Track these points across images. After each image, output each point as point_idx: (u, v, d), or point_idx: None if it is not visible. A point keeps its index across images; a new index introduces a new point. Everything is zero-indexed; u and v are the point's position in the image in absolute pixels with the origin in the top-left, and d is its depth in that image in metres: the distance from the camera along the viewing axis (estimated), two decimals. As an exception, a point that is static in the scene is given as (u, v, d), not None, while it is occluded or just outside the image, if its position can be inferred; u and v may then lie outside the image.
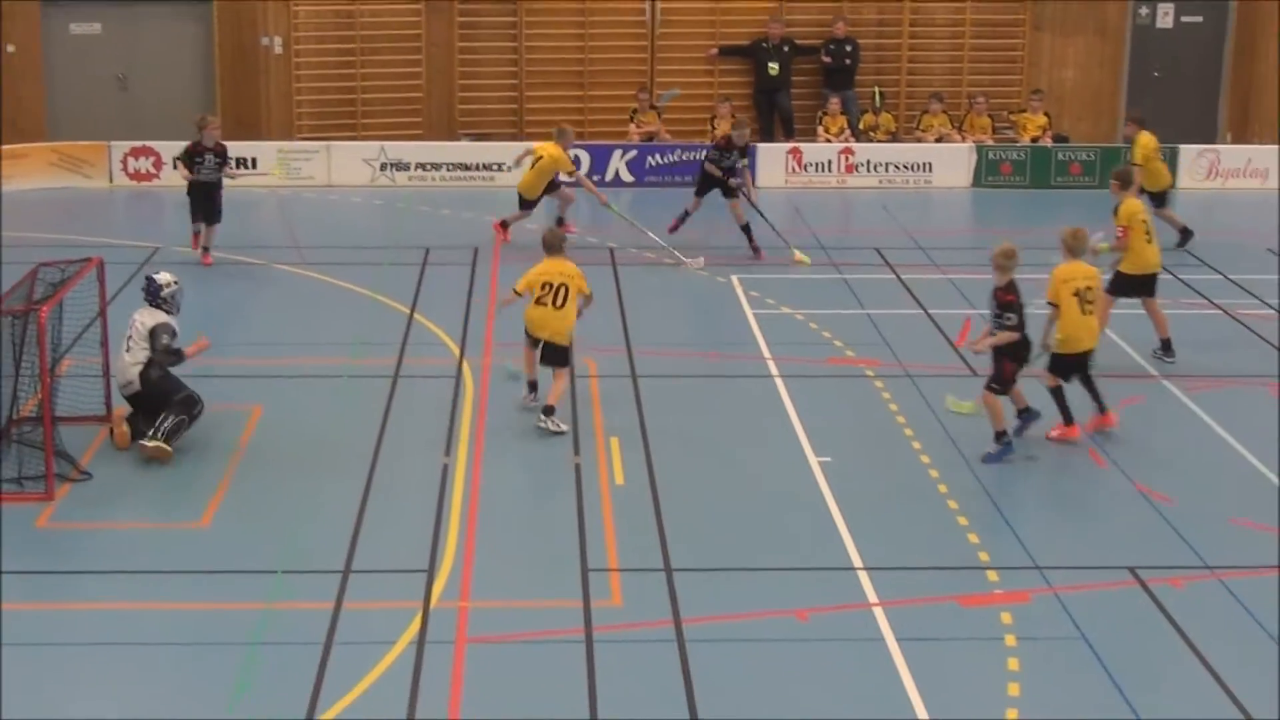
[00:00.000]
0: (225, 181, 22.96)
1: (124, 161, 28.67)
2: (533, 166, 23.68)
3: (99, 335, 16.14)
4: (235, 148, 28.55)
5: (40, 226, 24.68)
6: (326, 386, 17.27)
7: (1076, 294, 15.50)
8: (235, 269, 21.95)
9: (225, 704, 10.81)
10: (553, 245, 16.38)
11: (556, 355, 16.13)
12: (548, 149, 23.66)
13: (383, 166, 28.93)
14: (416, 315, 19.95)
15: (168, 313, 15.50)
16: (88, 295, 15.93)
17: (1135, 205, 18.17)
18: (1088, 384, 15.91)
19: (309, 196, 27.97)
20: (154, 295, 15.52)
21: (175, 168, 23.10)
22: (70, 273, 15.33)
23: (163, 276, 15.69)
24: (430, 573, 12.78)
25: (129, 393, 15.21)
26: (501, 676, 11.29)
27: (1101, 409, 15.96)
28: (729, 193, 22.97)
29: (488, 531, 13.63)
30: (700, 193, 23.50)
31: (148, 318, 15.39)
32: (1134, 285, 18.10)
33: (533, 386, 16.44)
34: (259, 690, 11.02)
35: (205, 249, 22.53)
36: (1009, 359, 15.22)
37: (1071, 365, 15.76)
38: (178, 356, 15.32)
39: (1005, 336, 15.15)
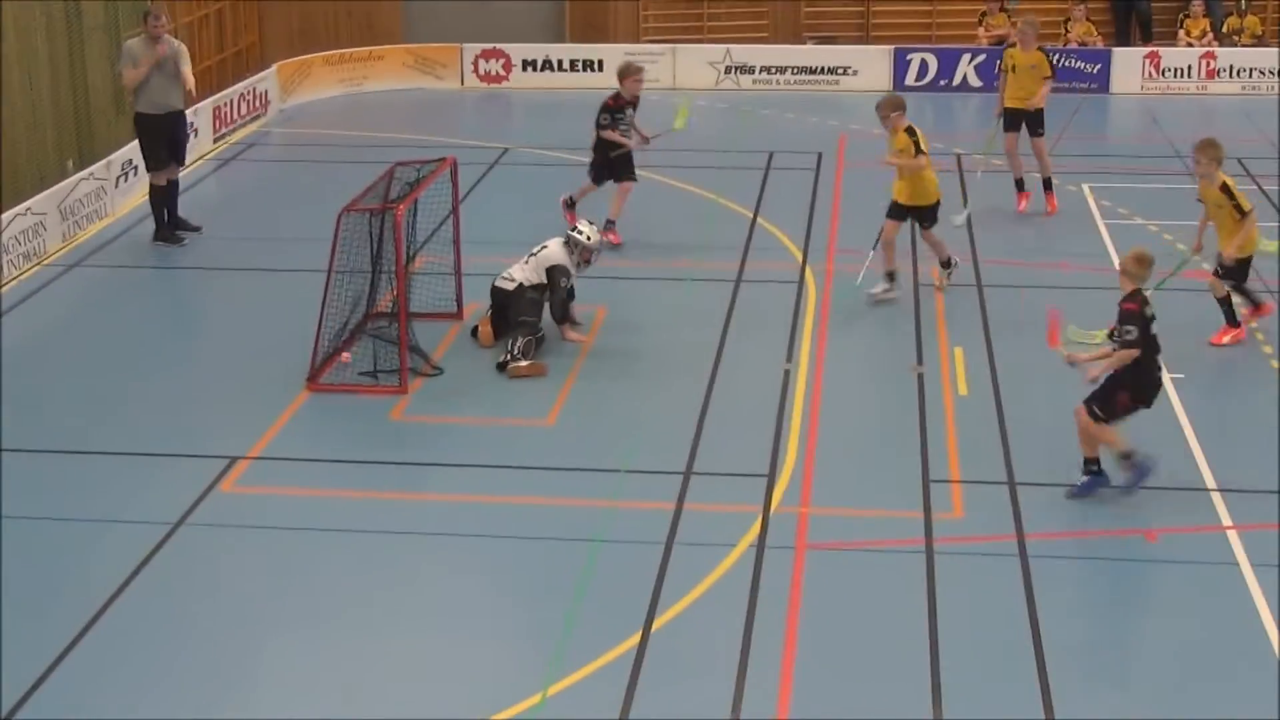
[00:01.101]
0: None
1: (475, 63, 29.25)
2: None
3: (451, 234, 16.52)
4: (582, 51, 29.07)
5: (395, 126, 25.45)
6: (670, 289, 17.38)
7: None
8: (579, 171, 22.16)
9: (568, 598, 11.01)
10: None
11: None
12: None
13: (727, 70, 28.90)
14: (760, 219, 19.92)
15: (574, 260, 15.64)
16: (441, 194, 16.29)
17: None
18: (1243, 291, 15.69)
19: (653, 99, 28.03)
20: (570, 240, 15.68)
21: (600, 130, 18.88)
22: (425, 172, 15.69)
23: (589, 233, 15.76)
24: (771, 478, 12.79)
25: (502, 286, 15.48)
26: (840, 583, 11.25)
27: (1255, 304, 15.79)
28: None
29: (828, 439, 13.56)
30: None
31: (557, 251, 15.56)
32: None
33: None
34: (601, 586, 11.20)
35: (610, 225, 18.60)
36: (1126, 390, 12.22)
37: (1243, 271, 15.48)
38: (564, 308, 15.61)
39: (1122, 355, 12.05)
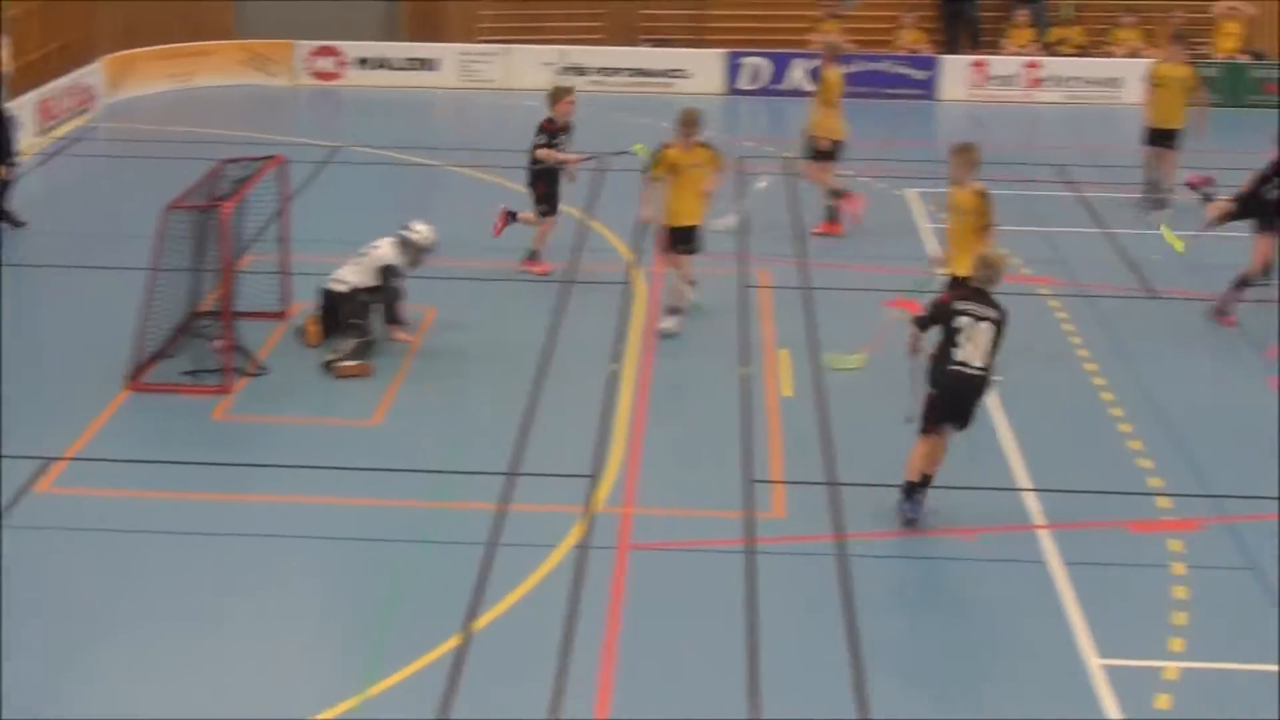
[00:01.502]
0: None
1: (308, 60, 29.01)
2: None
3: (279, 232, 16.38)
4: (416, 49, 28.98)
5: (225, 123, 25.16)
6: (500, 289, 17.38)
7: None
8: (412, 171, 22.14)
9: (389, 599, 10.99)
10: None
11: None
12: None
13: (562, 70, 28.93)
14: (591, 221, 19.98)
15: (407, 260, 15.63)
16: (270, 192, 16.16)
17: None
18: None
19: (486, 99, 28.14)
20: (404, 240, 15.65)
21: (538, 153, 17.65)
22: (253, 170, 15.57)
23: (422, 230, 15.76)
24: (595, 478, 12.86)
25: (333, 288, 15.40)
26: (661, 583, 11.34)
27: None
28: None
29: (653, 440, 13.66)
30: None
31: (389, 252, 15.55)
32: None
33: None
34: (422, 587, 11.19)
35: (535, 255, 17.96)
36: (931, 384, 12.26)
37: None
38: (394, 310, 15.46)
39: (911, 329, 12.42)
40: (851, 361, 14.35)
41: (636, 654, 10.41)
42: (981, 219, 14.64)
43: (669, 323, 16.08)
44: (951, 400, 12.10)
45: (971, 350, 11.93)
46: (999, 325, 11.97)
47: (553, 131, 17.60)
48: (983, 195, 14.71)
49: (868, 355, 14.29)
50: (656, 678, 10.20)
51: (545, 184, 17.78)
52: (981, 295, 12.10)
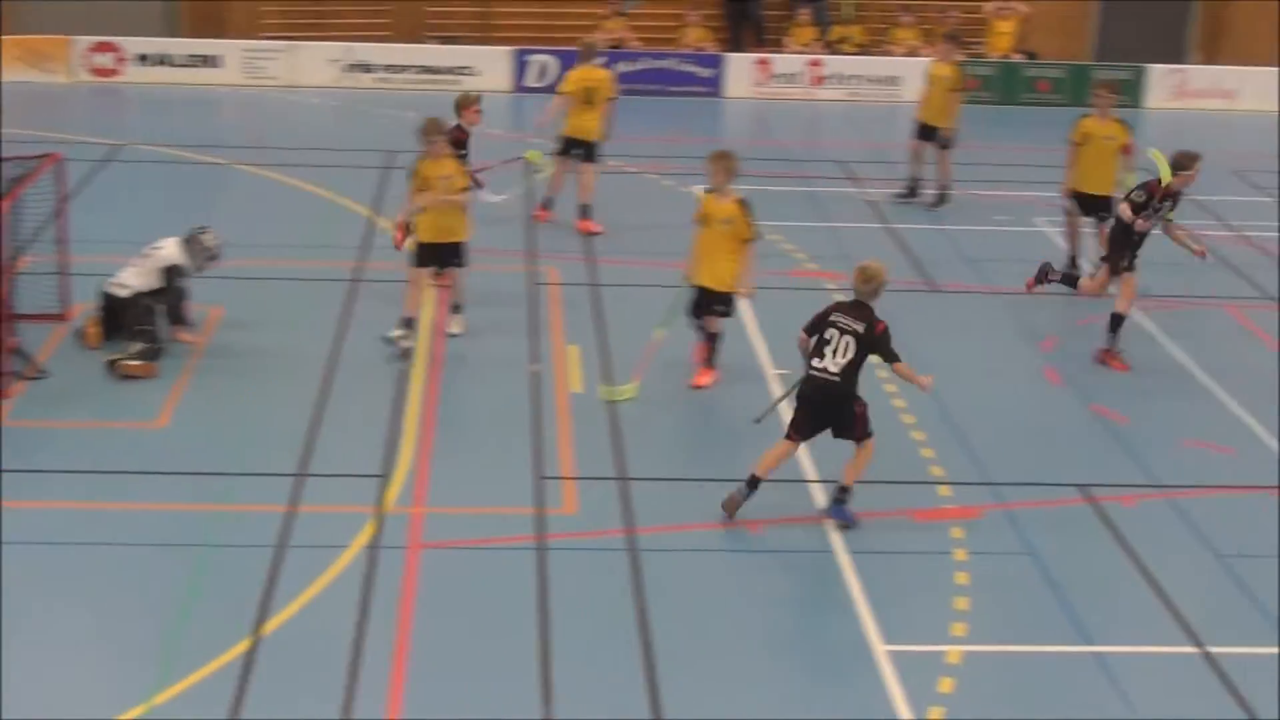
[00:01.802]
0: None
1: (86, 56, 28.38)
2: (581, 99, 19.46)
3: (57, 233, 16.02)
4: (199, 46, 28.54)
5: None
6: (286, 289, 17.19)
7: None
8: (196, 169, 21.80)
9: (178, 605, 10.83)
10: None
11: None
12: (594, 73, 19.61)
13: (347, 68, 28.72)
14: (377, 219, 19.85)
15: (192, 264, 15.46)
16: (48, 192, 15.80)
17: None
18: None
19: (271, 96, 27.81)
20: (191, 240, 15.46)
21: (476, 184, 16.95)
22: (28, 169, 15.20)
23: (210, 235, 15.62)
24: (385, 478, 12.80)
25: (114, 292, 15.12)
26: (453, 581, 11.33)
27: None
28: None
29: (444, 438, 13.64)
30: None
31: (174, 252, 15.34)
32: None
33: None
34: (211, 591, 11.05)
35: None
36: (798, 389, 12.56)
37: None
38: (178, 310, 15.31)
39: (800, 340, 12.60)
40: (624, 392, 14.48)
41: (428, 654, 10.40)
42: (744, 231, 14.45)
43: (455, 326, 15.98)
44: (808, 405, 12.27)
45: (830, 359, 12.08)
46: (858, 338, 12.06)
47: (463, 142, 16.89)
48: (744, 205, 14.49)
49: (638, 384, 14.46)
50: (449, 677, 10.20)
51: None
52: (859, 308, 12.22)
